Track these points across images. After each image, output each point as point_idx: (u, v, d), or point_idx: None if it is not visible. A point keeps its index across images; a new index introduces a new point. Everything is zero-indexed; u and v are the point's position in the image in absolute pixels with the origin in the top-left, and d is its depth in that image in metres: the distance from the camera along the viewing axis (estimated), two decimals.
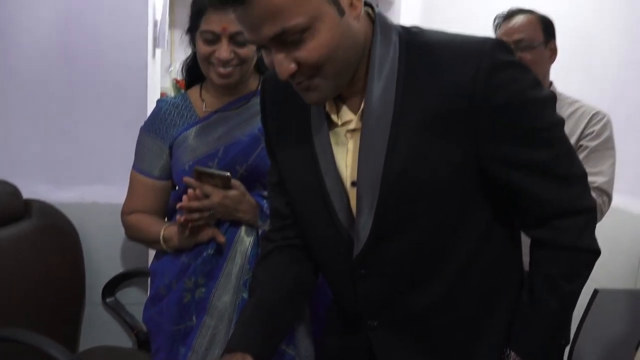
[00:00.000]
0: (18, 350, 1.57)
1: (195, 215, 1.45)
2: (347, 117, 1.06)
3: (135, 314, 2.14)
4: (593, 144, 1.89)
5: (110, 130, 2.11)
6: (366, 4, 1.02)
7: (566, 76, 2.70)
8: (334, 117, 1.06)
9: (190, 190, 1.44)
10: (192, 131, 1.56)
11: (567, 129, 1.19)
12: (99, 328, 2.17)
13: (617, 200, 2.31)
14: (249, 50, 1.47)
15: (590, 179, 1.13)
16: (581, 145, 1.87)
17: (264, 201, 1.50)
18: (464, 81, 0.95)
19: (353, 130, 1.05)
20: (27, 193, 1.99)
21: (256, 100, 1.51)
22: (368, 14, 1.03)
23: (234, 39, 1.45)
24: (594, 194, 1.42)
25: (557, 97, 1.30)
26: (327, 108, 1.06)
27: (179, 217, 1.46)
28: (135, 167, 1.64)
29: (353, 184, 1.05)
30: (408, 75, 0.99)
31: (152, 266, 1.64)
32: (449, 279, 1.07)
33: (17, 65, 2.03)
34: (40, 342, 1.53)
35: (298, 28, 0.90)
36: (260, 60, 1.53)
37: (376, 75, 1.00)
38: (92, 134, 2.10)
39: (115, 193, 2.04)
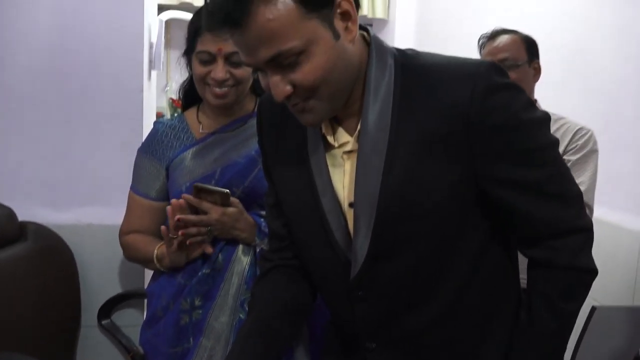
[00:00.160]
0: None
1: (193, 230, 1.44)
2: (344, 138, 1.06)
3: (132, 336, 2.13)
4: (575, 157, 1.94)
5: (105, 152, 2.11)
6: (361, 28, 1.04)
7: (561, 93, 2.73)
8: (330, 138, 1.07)
9: (174, 201, 1.44)
10: (189, 153, 1.57)
11: None
12: (95, 350, 2.15)
13: (614, 216, 2.33)
14: (244, 71, 1.48)
15: None
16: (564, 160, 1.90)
17: (262, 220, 1.51)
18: (460, 103, 0.96)
19: (350, 152, 1.06)
20: (22, 215, 1.99)
21: (253, 122, 1.52)
22: (363, 37, 1.05)
23: (230, 60, 1.46)
24: None
25: None
26: (324, 130, 1.07)
27: (164, 228, 1.46)
28: (133, 188, 1.65)
29: (350, 205, 1.06)
30: (404, 97, 1.00)
31: (149, 288, 1.64)
32: (446, 299, 1.07)
33: (13, 88, 2.04)
34: None
35: (294, 51, 0.91)
36: (256, 82, 1.54)
37: (372, 97, 1.01)
38: (87, 155, 2.10)
39: (111, 215, 2.04)
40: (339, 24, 0.95)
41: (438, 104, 0.98)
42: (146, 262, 1.61)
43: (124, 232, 1.66)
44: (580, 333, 1.68)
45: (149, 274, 2.10)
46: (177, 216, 1.44)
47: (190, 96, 1.65)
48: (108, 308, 2.13)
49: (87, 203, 2.12)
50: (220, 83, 1.47)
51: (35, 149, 2.07)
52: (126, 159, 2.02)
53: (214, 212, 1.44)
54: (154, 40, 2.48)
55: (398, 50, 1.05)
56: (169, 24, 3.76)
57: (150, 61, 2.40)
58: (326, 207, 1.07)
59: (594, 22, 2.59)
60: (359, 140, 1.02)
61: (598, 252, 1.08)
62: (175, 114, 5.07)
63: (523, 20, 3.14)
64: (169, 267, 1.53)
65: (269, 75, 0.96)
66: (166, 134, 1.60)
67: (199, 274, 1.50)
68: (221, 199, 1.45)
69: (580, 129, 1.99)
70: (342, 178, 1.07)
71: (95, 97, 2.08)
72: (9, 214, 1.93)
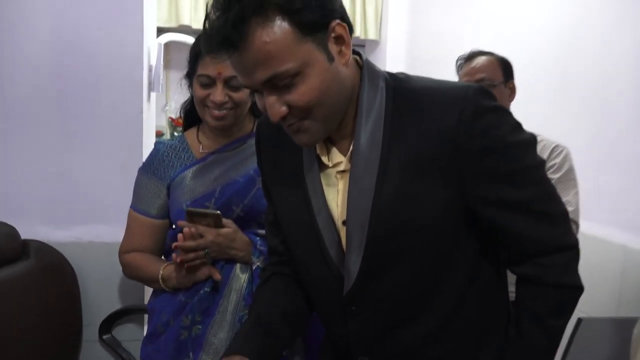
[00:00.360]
0: None
1: (191, 255, 1.45)
2: (337, 158, 1.07)
3: (132, 351, 2.12)
4: (556, 176, 1.95)
5: (106, 172, 2.11)
6: (355, 52, 1.05)
7: (548, 112, 2.76)
8: (324, 158, 1.08)
9: (185, 229, 1.44)
10: (190, 172, 1.57)
11: None
12: None
13: (599, 230, 2.34)
14: (242, 94, 1.49)
15: None
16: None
17: (257, 238, 1.51)
18: (449, 125, 0.97)
19: (343, 172, 1.07)
20: (25, 234, 1.99)
21: (251, 142, 1.53)
22: (356, 61, 1.06)
23: (229, 83, 1.47)
24: None
25: None
26: (318, 150, 1.08)
27: (175, 256, 1.46)
28: (133, 206, 1.64)
29: (344, 223, 1.06)
30: (394, 119, 1.01)
31: (150, 304, 1.63)
32: (437, 314, 1.07)
33: (15, 108, 2.04)
34: None
35: (289, 73, 0.92)
36: (254, 104, 1.55)
37: (364, 119, 1.01)
38: (88, 175, 2.11)
39: (111, 232, 2.05)
40: (333, 48, 0.96)
41: (428, 126, 0.98)
42: (149, 281, 1.61)
43: (124, 250, 1.65)
44: (567, 344, 1.68)
45: (148, 289, 2.10)
46: (174, 244, 1.44)
47: (190, 117, 1.66)
48: (109, 323, 2.13)
49: (88, 221, 2.12)
50: (220, 105, 1.48)
51: (37, 169, 2.07)
52: (126, 179, 2.03)
53: (209, 234, 1.44)
54: (153, 62, 2.49)
55: (389, 73, 1.07)
56: (168, 45, 3.78)
57: (150, 83, 2.41)
58: (321, 224, 1.08)
59: (579, 46, 2.62)
60: (351, 160, 1.03)
61: (584, 265, 1.08)
62: (175, 133, 5.08)
63: (509, 42, 3.18)
64: (174, 288, 1.52)
65: (265, 96, 0.96)
66: (167, 154, 1.61)
67: (201, 292, 1.50)
68: (214, 220, 1.45)
69: (557, 146, 2.01)
70: (336, 197, 1.08)
71: (96, 118, 2.09)
72: (12, 232, 1.93)
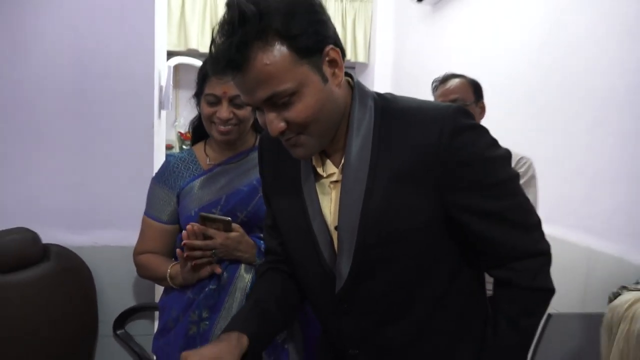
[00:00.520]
0: None
1: (198, 253, 1.44)
2: (331, 170, 1.07)
3: (143, 345, 2.12)
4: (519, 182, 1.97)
5: (120, 182, 2.11)
6: (347, 74, 1.05)
7: (520, 128, 2.78)
8: (319, 170, 1.08)
9: (189, 227, 1.43)
10: (198, 182, 1.57)
11: None
12: (111, 358, 2.14)
13: (565, 234, 2.35)
14: (246, 112, 1.50)
15: None
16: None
17: (261, 242, 1.51)
18: (430, 141, 0.97)
19: (335, 182, 1.07)
20: (46, 238, 1.99)
21: (253, 155, 1.55)
22: (348, 82, 1.06)
23: (233, 102, 1.48)
24: None
25: None
26: (314, 162, 1.09)
27: (180, 252, 1.46)
28: (147, 212, 1.64)
29: (336, 228, 1.06)
30: (382, 135, 1.02)
31: (161, 302, 1.62)
32: (422, 313, 1.07)
33: (39, 126, 2.05)
34: None
35: (287, 92, 0.93)
36: (256, 121, 1.56)
37: (355, 134, 1.02)
38: (104, 185, 2.11)
39: (125, 237, 2.05)
40: (327, 70, 0.96)
41: (412, 142, 0.99)
42: (159, 279, 1.60)
43: (137, 252, 1.65)
44: (538, 338, 1.69)
45: (159, 288, 2.10)
46: (184, 241, 1.44)
47: (198, 132, 1.66)
48: (122, 319, 2.12)
49: (104, 227, 2.11)
50: (225, 122, 1.49)
51: (58, 179, 2.07)
52: (139, 188, 2.03)
53: (219, 237, 1.44)
54: (164, 83, 2.49)
55: (378, 94, 1.07)
56: (177, 67, 3.80)
57: (160, 102, 2.41)
58: (316, 229, 1.08)
59: (544, 67, 2.64)
60: (342, 172, 1.04)
61: (552, 266, 1.07)
62: (184, 146, 5.08)
63: (481, 65, 3.21)
64: (181, 285, 1.52)
65: (265, 113, 0.97)
66: (177, 166, 1.61)
67: (206, 289, 1.49)
68: (224, 225, 1.45)
69: (522, 158, 2.03)
70: (330, 204, 1.08)
71: (111, 134, 2.09)
72: (34, 237, 1.93)
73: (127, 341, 2.11)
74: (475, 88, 2.08)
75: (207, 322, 1.49)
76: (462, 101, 2.00)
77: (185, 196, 1.57)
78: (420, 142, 0.98)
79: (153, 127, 2.14)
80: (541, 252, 1.04)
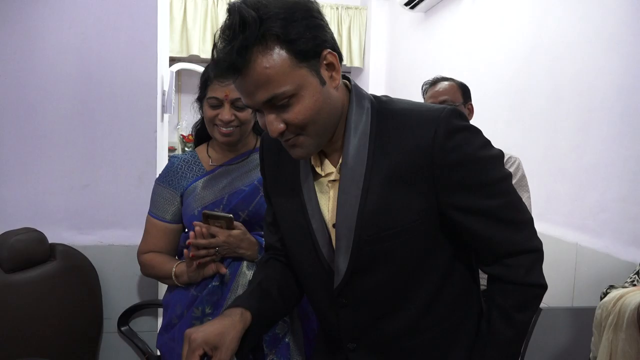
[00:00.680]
0: None
1: (203, 252, 1.44)
2: (329, 169, 1.07)
3: (147, 340, 2.11)
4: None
5: (124, 183, 2.11)
6: (344, 77, 1.05)
7: (508, 130, 2.79)
8: (318, 169, 1.08)
9: (197, 228, 1.43)
10: (201, 182, 1.57)
11: None
12: (116, 353, 2.13)
13: (554, 231, 2.36)
14: (246, 114, 1.50)
15: None
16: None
17: (263, 239, 1.50)
18: (425, 142, 0.97)
19: (334, 181, 1.06)
20: (52, 238, 1.99)
21: (254, 156, 1.55)
22: (346, 85, 1.06)
23: (234, 104, 1.48)
24: None
25: None
26: (313, 162, 1.08)
27: (186, 252, 1.45)
28: (151, 212, 1.63)
29: (334, 225, 1.06)
30: (378, 136, 1.01)
31: (165, 299, 1.61)
32: (418, 308, 1.07)
33: (46, 130, 2.05)
34: None
35: (286, 94, 0.92)
36: (257, 123, 1.56)
37: (352, 135, 1.02)
38: (108, 186, 2.10)
39: (129, 236, 2.06)
40: (324, 73, 0.96)
41: (407, 142, 0.99)
42: (163, 278, 1.59)
43: (142, 251, 1.64)
44: (529, 332, 1.69)
45: (161, 286, 2.10)
46: (188, 240, 1.43)
47: (201, 135, 1.66)
48: (126, 316, 2.12)
49: (109, 227, 2.11)
50: (227, 123, 1.49)
51: (64, 181, 2.07)
52: (142, 189, 2.04)
53: (221, 235, 1.43)
54: (166, 88, 2.49)
55: (374, 96, 1.07)
56: (180, 72, 3.79)
57: (163, 106, 2.41)
58: (315, 227, 1.08)
59: (531, 71, 2.66)
60: (340, 171, 1.03)
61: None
62: (186, 148, 5.08)
63: (471, 69, 3.22)
64: (186, 283, 1.51)
65: (265, 114, 0.96)
66: (180, 167, 1.61)
67: (210, 286, 1.49)
68: (227, 223, 1.44)
69: (510, 157, 2.03)
70: (328, 203, 1.08)
71: (116, 137, 2.09)
72: (41, 237, 1.93)
73: (131, 337, 2.11)
74: (463, 90, 2.09)
75: (210, 318, 1.47)
76: (451, 102, 2.01)
77: (188, 196, 1.57)
78: (415, 142, 0.98)
79: (156, 130, 2.14)
80: (533, 249, 1.04)
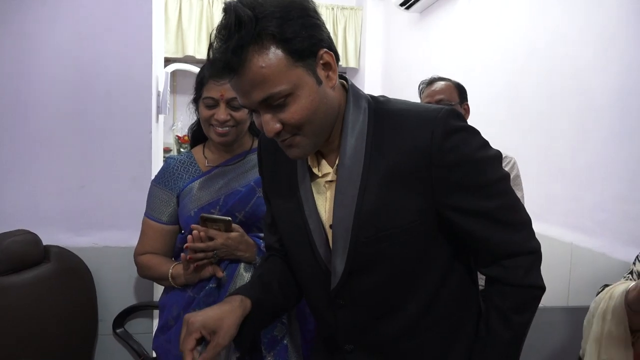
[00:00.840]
0: None
1: (200, 255, 1.43)
2: (326, 170, 1.06)
3: (142, 342, 2.10)
4: None
5: (119, 185, 2.10)
6: (341, 77, 1.05)
7: (505, 131, 2.79)
8: (315, 170, 1.07)
9: (195, 232, 1.42)
10: (197, 183, 1.56)
11: None
12: (110, 355, 2.13)
13: (550, 231, 2.36)
14: (242, 114, 1.49)
15: None
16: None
17: (261, 241, 1.50)
18: (422, 143, 0.96)
19: (330, 181, 1.06)
20: (46, 240, 1.98)
21: (250, 157, 1.55)
22: (342, 85, 1.05)
23: (230, 104, 1.47)
24: None
25: None
26: (310, 162, 1.08)
27: (183, 255, 1.44)
28: (147, 214, 1.62)
29: (331, 226, 1.05)
30: (375, 136, 1.01)
31: (162, 301, 1.60)
32: (415, 309, 1.06)
33: (40, 131, 2.04)
34: None
35: (282, 94, 0.92)
36: (253, 124, 1.55)
37: (349, 135, 1.01)
38: (103, 187, 2.10)
39: (124, 238, 2.05)
40: (321, 73, 0.95)
41: (404, 143, 0.98)
42: (159, 279, 1.58)
43: (138, 252, 1.63)
44: None
45: (157, 287, 2.09)
46: (186, 244, 1.42)
47: (197, 136, 1.65)
48: (121, 318, 2.11)
49: (104, 228, 2.10)
50: (223, 123, 1.48)
51: (58, 182, 2.06)
52: (137, 190, 2.03)
53: (220, 238, 1.42)
54: (161, 89, 2.48)
55: (372, 96, 1.06)
56: (175, 73, 3.78)
57: (158, 107, 2.40)
58: (312, 227, 1.07)
59: (528, 73, 2.66)
60: (337, 171, 1.03)
61: None
62: (181, 149, 5.07)
63: (467, 71, 3.22)
64: (182, 284, 1.51)
65: (261, 114, 0.96)
66: (177, 168, 1.60)
67: (207, 287, 1.48)
68: (225, 225, 1.43)
69: (505, 157, 2.03)
70: (325, 203, 1.07)
71: (111, 138, 2.09)
72: (35, 239, 1.91)
73: (126, 339, 2.10)
74: (460, 90, 2.09)
75: None
76: (448, 101, 2.01)
77: (184, 197, 1.56)
78: (412, 143, 0.97)
79: (151, 130, 2.13)
80: (531, 250, 1.03)
